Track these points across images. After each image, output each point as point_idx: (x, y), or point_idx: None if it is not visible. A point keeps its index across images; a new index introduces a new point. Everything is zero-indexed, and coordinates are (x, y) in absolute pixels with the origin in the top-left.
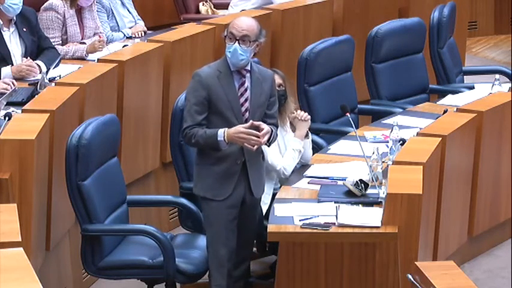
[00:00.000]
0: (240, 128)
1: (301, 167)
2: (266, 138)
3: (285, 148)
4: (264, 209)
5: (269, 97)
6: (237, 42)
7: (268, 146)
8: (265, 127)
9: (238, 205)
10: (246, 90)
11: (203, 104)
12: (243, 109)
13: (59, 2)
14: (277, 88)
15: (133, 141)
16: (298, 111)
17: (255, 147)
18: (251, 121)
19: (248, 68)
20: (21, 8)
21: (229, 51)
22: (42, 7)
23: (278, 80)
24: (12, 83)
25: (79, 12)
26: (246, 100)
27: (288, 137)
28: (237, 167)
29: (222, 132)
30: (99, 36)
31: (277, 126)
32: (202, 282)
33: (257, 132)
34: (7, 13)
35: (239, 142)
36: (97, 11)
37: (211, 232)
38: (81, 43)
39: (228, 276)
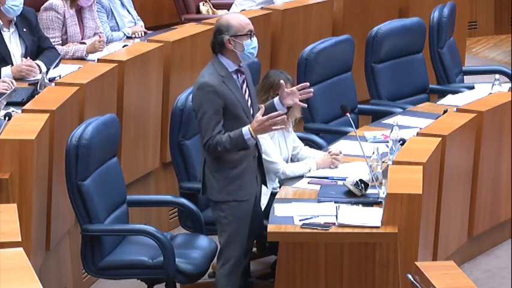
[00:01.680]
0: (260, 118)
1: None
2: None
3: (286, 149)
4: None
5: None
6: (254, 36)
7: None
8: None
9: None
10: (247, 86)
11: (220, 113)
12: (249, 105)
13: (59, 2)
14: None
15: (133, 141)
16: (337, 152)
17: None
18: (262, 106)
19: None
20: (21, 9)
21: (254, 47)
22: (42, 7)
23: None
24: (12, 83)
25: (79, 12)
26: (249, 95)
27: (290, 138)
28: (254, 162)
29: (247, 131)
30: (99, 37)
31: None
32: (202, 282)
33: (275, 113)
34: (7, 14)
35: (268, 130)
36: (97, 11)
37: (231, 231)
38: (81, 43)
39: (242, 277)
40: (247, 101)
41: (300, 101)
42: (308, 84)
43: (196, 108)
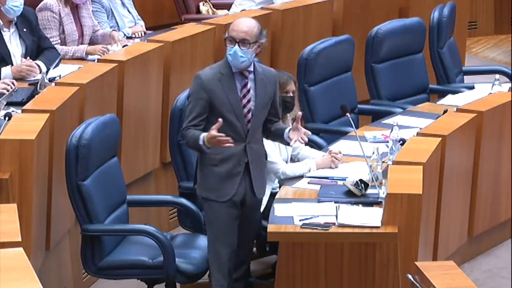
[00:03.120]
0: (212, 133)
1: None
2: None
3: (286, 149)
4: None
5: (273, 98)
6: (236, 44)
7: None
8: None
9: (239, 206)
10: (248, 91)
11: (203, 106)
12: (245, 110)
13: (54, 1)
14: (289, 94)
15: (133, 141)
16: (336, 151)
17: (229, 144)
18: (220, 120)
19: (251, 68)
20: (22, 9)
21: (230, 54)
22: (37, 8)
23: (292, 87)
24: (12, 83)
25: (75, 10)
26: (248, 101)
27: None
28: (240, 167)
29: (202, 137)
30: (113, 35)
31: (279, 118)
32: (202, 282)
33: (223, 135)
34: (8, 14)
35: (217, 145)
36: (97, 11)
37: (212, 232)
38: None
39: (229, 276)
40: (244, 105)
41: (300, 101)
42: (310, 133)
43: (187, 95)
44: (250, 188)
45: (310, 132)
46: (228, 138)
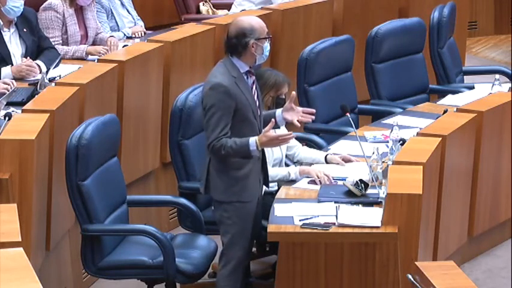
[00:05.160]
0: (270, 134)
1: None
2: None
3: (280, 149)
4: None
5: None
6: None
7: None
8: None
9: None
10: (256, 88)
11: (230, 115)
12: (257, 107)
13: (58, 2)
14: (282, 96)
15: (133, 141)
16: (322, 174)
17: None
18: (272, 120)
19: None
20: (22, 10)
21: (268, 50)
22: (41, 7)
23: (286, 89)
24: (12, 83)
25: (80, 12)
26: (257, 98)
27: None
28: (258, 163)
29: (253, 142)
30: (109, 42)
31: None
32: (202, 282)
33: (287, 133)
34: (8, 15)
35: (275, 146)
36: (97, 11)
37: (230, 234)
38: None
39: (242, 280)
40: (256, 102)
41: (300, 101)
42: (314, 111)
43: (207, 107)
44: (265, 182)
45: (313, 110)
46: (289, 132)
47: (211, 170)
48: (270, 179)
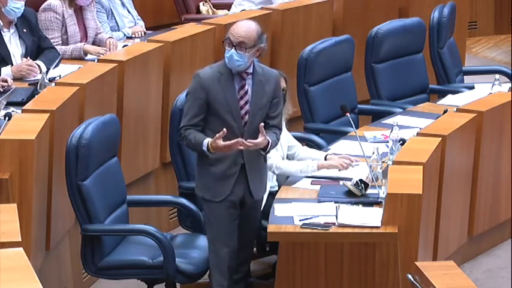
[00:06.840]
0: (220, 143)
1: None
2: (259, 142)
3: (281, 148)
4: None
5: (272, 99)
6: (233, 48)
7: (266, 153)
8: (259, 139)
9: (237, 206)
10: (246, 93)
11: (201, 106)
12: (243, 112)
13: (57, 2)
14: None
15: (133, 141)
16: (343, 160)
17: (241, 147)
18: (224, 129)
19: (250, 70)
20: (22, 11)
21: (227, 57)
22: (40, 8)
23: (283, 83)
24: (8, 81)
25: (79, 12)
26: (246, 103)
27: (284, 137)
28: (235, 168)
29: (206, 144)
30: (108, 43)
31: (280, 129)
32: (202, 282)
33: (234, 141)
34: (9, 16)
35: (224, 152)
36: (97, 11)
37: (212, 232)
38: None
39: (229, 277)
40: (241, 106)
41: (299, 101)
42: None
43: (186, 94)
44: (248, 190)
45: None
46: (239, 139)
47: (196, 165)
48: (285, 170)
